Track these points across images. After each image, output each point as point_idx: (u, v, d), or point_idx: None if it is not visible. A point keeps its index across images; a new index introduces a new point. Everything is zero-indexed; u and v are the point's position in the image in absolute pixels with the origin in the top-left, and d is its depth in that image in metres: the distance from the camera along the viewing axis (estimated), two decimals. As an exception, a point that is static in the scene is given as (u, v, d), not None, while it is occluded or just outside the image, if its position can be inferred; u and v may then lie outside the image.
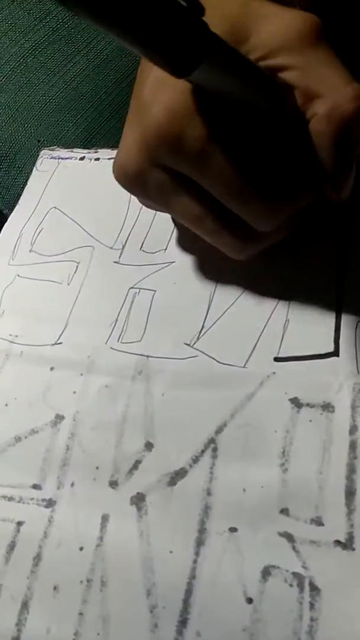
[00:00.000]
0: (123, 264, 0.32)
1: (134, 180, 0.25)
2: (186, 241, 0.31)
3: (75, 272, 0.32)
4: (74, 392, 0.28)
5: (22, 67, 0.51)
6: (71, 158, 0.38)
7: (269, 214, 0.24)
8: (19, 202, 0.37)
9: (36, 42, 0.51)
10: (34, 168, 0.39)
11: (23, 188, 0.39)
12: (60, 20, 0.51)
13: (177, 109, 0.22)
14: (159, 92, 0.23)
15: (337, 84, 0.22)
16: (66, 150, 0.38)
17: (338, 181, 0.24)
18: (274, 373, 0.26)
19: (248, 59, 0.22)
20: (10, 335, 0.31)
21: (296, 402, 0.25)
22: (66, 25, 0.51)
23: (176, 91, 0.23)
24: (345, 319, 0.27)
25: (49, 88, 0.51)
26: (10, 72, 0.52)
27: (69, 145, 0.40)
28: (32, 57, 0.51)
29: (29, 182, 0.38)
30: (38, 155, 0.40)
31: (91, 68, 0.49)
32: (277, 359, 0.26)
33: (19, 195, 0.39)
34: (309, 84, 0.23)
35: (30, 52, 0.51)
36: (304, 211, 0.26)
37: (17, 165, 0.56)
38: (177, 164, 0.23)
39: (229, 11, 0.24)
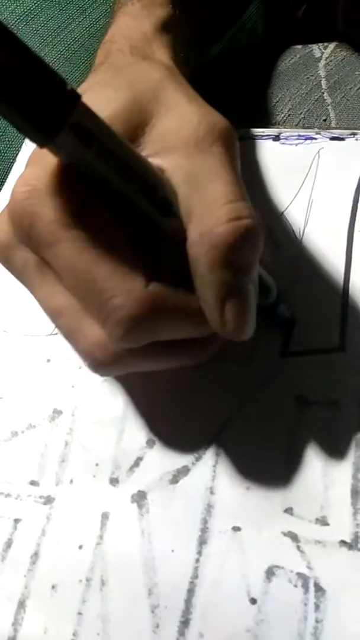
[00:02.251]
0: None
1: (1, 253, 0.21)
2: None
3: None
4: (72, 386, 0.27)
5: (12, 35, 0.49)
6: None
7: (122, 323, 0.19)
8: (7, 181, 0.35)
9: (28, 8, 0.49)
10: (23, 144, 0.37)
11: (12, 162, 0.37)
12: (55, -14, 0.48)
13: (34, 188, 0.19)
14: (29, 164, 0.20)
15: (214, 202, 0.19)
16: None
17: (222, 319, 0.20)
18: (278, 369, 0.25)
19: (119, 138, 0.19)
20: (3, 325, 0.29)
21: (301, 399, 0.25)
22: (60, -9, 0.48)
23: (43, 166, 0.19)
24: (352, 313, 0.26)
25: (41, 57, 0.49)
26: None
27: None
28: (24, 24, 0.48)
29: (18, 159, 0.36)
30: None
31: (86, 37, 0.47)
32: (282, 355, 0.26)
33: (8, 169, 0.37)
34: (189, 197, 0.20)
35: (21, 18, 0.48)
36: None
37: (6, 139, 0.53)
38: (31, 244, 0.20)
39: (138, 83, 0.22)
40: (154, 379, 0.26)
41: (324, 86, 0.35)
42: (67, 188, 0.19)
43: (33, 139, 0.17)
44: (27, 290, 0.22)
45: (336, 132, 0.31)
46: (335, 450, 0.23)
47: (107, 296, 0.19)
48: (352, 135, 0.31)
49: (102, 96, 0.18)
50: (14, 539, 0.25)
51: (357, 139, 0.30)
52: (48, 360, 0.28)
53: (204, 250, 0.19)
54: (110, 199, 0.19)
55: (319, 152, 0.31)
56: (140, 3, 0.29)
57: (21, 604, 0.24)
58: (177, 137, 0.21)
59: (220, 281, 0.19)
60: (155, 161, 0.20)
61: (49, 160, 0.19)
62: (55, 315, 0.21)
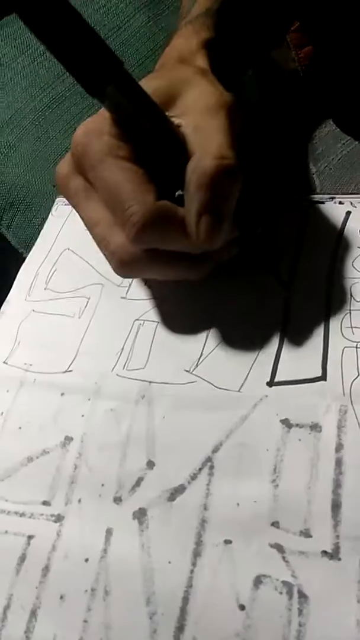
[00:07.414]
0: (129, 299, 0.34)
1: (60, 182, 0.29)
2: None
3: (85, 307, 0.35)
4: (82, 416, 0.30)
5: (41, 119, 0.56)
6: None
7: (136, 224, 0.26)
8: (36, 244, 0.40)
9: (54, 97, 0.56)
10: (50, 214, 0.42)
11: (37, 229, 0.42)
12: (76, 78, 0.56)
13: (90, 129, 0.28)
14: (90, 118, 0.29)
15: (212, 146, 0.26)
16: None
17: (197, 229, 0.26)
18: (266, 396, 0.28)
19: (150, 98, 0.27)
20: (25, 364, 0.33)
21: (286, 423, 0.27)
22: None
23: (97, 117, 0.28)
24: (332, 346, 0.29)
25: (65, 139, 0.55)
26: (29, 125, 0.56)
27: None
28: (50, 110, 0.55)
29: (44, 226, 0.41)
30: (52, 198, 0.43)
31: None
32: (269, 384, 0.29)
33: (33, 235, 0.42)
34: (193, 142, 0.27)
35: (48, 106, 0.55)
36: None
37: (33, 208, 0.59)
38: (83, 170, 0.28)
39: (174, 75, 0.31)
40: (153, 406, 0.29)
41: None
42: (112, 130, 0.27)
43: (90, 91, 0.25)
44: (75, 209, 0.29)
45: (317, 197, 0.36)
46: (317, 468, 0.26)
47: (128, 204, 0.26)
48: (330, 199, 0.35)
49: (148, 81, 0.28)
50: (27, 554, 0.27)
51: (335, 202, 0.34)
52: (62, 394, 0.31)
53: (195, 176, 0.26)
54: (141, 142, 0.27)
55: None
56: (192, 27, 0.37)
57: (33, 613, 0.26)
58: (193, 105, 0.29)
59: (200, 199, 0.26)
60: (175, 120, 0.28)
61: (103, 114, 0.28)
62: (92, 225, 0.28)
